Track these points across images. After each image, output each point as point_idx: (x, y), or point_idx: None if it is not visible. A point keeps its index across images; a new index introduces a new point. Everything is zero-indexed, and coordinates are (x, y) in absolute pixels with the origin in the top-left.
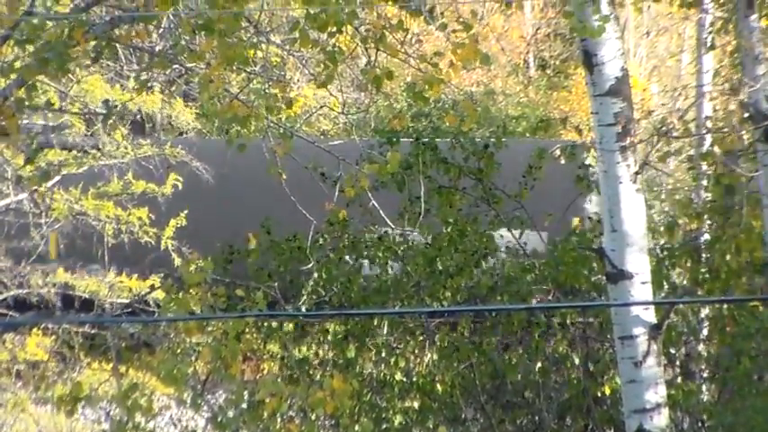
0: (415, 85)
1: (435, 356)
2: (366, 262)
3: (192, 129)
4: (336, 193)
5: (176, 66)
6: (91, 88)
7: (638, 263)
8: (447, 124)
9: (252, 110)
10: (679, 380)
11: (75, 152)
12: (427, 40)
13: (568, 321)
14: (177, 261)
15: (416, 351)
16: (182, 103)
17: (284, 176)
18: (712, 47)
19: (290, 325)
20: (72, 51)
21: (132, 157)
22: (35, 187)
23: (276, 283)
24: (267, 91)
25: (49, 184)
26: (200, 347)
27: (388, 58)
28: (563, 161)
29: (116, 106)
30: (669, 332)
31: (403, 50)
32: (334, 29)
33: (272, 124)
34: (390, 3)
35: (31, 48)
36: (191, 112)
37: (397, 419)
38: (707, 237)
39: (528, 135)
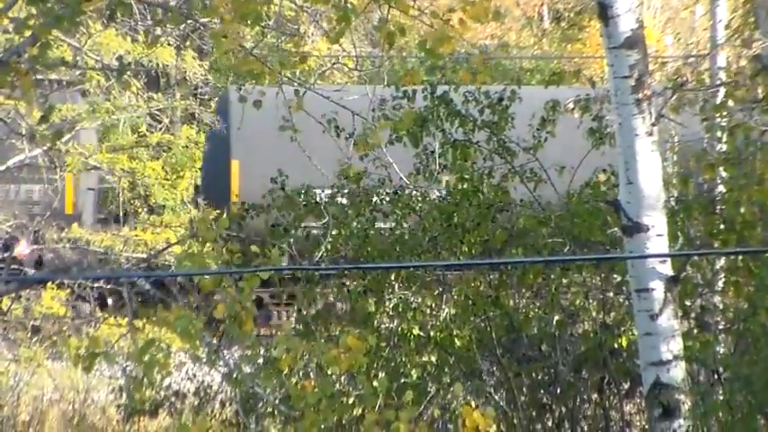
0: (426, 41)
1: (452, 311)
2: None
3: (204, 82)
4: (351, 147)
5: (190, 21)
6: (105, 41)
7: (653, 215)
8: (460, 79)
9: (265, 65)
10: (695, 332)
11: (88, 106)
12: None
13: (584, 274)
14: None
15: (433, 305)
16: (191, 55)
17: (298, 131)
18: None
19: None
20: (85, 6)
21: (145, 111)
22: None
23: (291, 239)
24: (280, 46)
25: (64, 138)
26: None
27: (403, 14)
28: (576, 114)
29: (129, 63)
30: (684, 284)
31: (415, 6)
32: None
33: (285, 79)
34: None
35: (43, 6)
36: (201, 65)
37: (415, 374)
38: (721, 188)
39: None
